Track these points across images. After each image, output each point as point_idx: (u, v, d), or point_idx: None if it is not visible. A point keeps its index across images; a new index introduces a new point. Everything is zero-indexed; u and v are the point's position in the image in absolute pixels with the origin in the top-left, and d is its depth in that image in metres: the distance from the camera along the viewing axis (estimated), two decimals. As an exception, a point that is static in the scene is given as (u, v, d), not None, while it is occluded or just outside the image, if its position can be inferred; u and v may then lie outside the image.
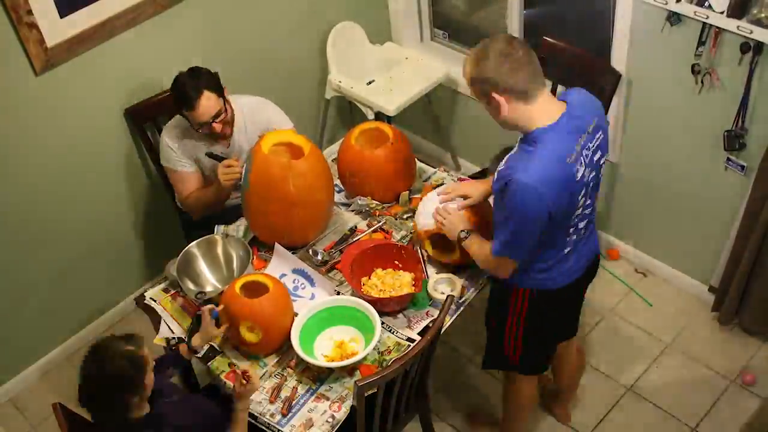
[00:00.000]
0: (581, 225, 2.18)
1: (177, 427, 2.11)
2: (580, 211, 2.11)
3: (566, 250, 2.21)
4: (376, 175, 2.77)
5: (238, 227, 2.84)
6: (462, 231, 2.35)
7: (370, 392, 2.18)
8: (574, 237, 2.19)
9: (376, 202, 2.83)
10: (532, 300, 2.30)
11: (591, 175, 2.05)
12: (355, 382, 2.12)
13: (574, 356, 2.83)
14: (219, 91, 2.75)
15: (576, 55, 3.05)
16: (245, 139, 2.95)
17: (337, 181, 2.90)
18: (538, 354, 2.52)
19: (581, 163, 1.97)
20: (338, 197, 2.89)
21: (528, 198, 1.91)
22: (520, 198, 1.92)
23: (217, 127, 2.78)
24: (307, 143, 2.61)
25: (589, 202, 2.13)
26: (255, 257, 2.70)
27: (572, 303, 2.51)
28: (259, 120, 2.95)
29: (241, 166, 2.75)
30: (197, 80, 2.71)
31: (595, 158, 2.05)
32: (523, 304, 2.32)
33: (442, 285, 2.55)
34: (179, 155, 2.90)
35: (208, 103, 2.71)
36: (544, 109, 1.96)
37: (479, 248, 2.28)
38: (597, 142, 2.03)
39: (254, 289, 2.37)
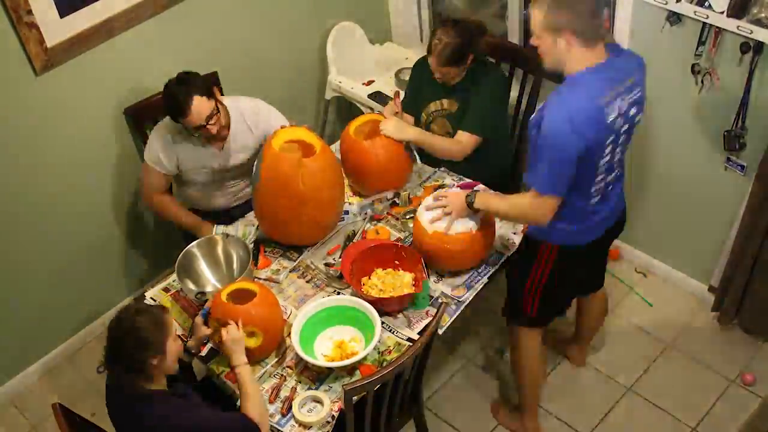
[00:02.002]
0: (609, 177, 2.28)
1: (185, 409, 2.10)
2: (607, 158, 2.20)
3: (593, 201, 2.29)
4: (375, 164, 2.78)
5: (238, 227, 2.84)
6: (467, 196, 2.45)
7: (358, 397, 2.17)
8: (601, 186, 2.27)
9: (382, 205, 2.84)
10: (559, 255, 2.39)
11: (623, 127, 2.18)
12: (342, 386, 2.10)
13: (600, 306, 2.90)
14: (209, 93, 2.74)
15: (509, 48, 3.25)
16: (250, 140, 2.92)
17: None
18: (552, 309, 2.62)
19: (613, 109, 2.09)
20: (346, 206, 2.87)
21: (560, 129, 2.03)
22: (555, 130, 2.04)
23: (212, 129, 2.77)
24: (319, 142, 2.61)
25: (619, 155, 2.27)
26: (261, 256, 2.71)
27: (595, 260, 2.63)
28: (260, 121, 2.93)
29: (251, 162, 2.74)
30: (186, 87, 2.70)
31: (631, 112, 2.18)
32: (549, 258, 2.41)
33: (309, 403, 2.28)
34: (155, 153, 2.87)
35: (199, 107, 2.69)
36: (589, 56, 2.08)
37: (501, 200, 2.41)
38: (634, 97, 2.17)
39: (242, 297, 2.36)
